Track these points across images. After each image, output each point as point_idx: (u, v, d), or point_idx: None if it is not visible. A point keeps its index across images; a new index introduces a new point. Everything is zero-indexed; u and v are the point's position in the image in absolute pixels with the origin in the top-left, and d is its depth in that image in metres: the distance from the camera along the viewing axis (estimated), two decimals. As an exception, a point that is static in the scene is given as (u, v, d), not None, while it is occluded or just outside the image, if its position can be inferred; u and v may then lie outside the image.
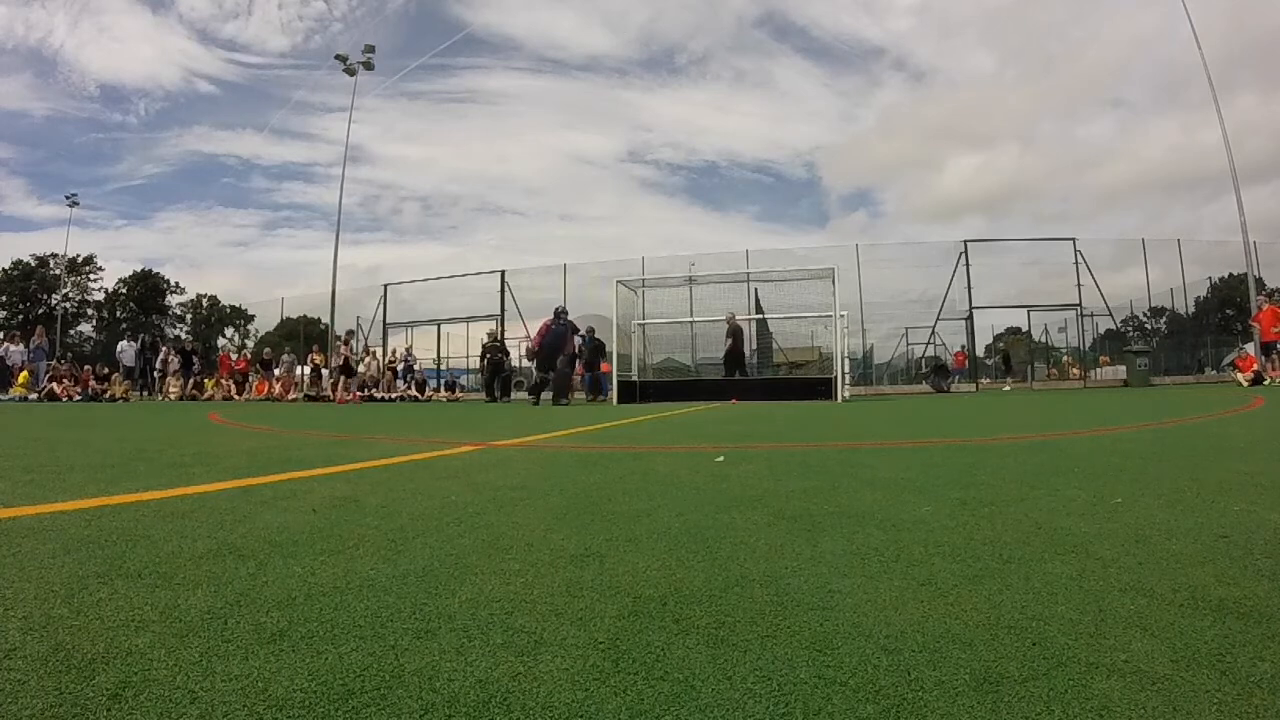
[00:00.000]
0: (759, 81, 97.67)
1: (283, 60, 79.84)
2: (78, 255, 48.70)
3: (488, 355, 15.09)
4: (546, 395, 11.73)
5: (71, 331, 43.47)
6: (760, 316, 15.40)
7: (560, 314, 11.98)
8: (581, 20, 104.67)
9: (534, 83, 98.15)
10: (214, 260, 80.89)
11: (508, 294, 21.71)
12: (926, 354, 19.72)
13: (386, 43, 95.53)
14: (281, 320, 30.63)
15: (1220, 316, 24.89)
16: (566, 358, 11.88)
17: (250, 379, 17.17)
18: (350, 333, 17.09)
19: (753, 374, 14.48)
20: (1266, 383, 11.81)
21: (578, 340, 12.77)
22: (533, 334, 12.99)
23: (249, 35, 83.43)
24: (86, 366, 17.24)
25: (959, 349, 19.37)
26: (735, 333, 13.59)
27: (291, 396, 16.07)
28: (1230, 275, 23.90)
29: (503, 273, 21.96)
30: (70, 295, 48.73)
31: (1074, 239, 19.09)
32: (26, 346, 16.58)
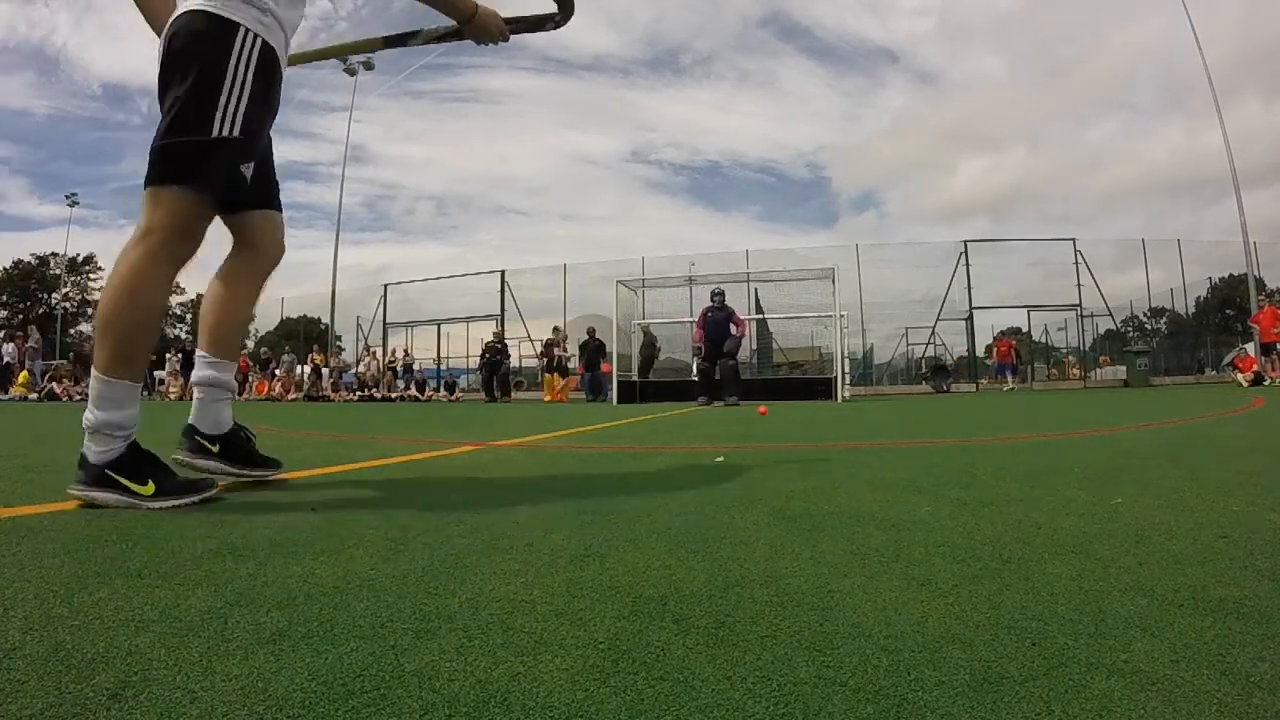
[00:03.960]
0: (762, 81, 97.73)
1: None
2: (78, 255, 48.83)
3: (486, 355, 15.11)
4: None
5: (71, 331, 43.48)
6: (760, 316, 15.42)
7: (717, 297, 10.52)
8: (586, 20, 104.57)
9: (538, 82, 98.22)
10: (216, 260, 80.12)
11: (508, 294, 21.73)
12: (926, 354, 19.73)
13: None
14: (281, 320, 30.67)
15: (1220, 317, 24.89)
16: (734, 341, 10.30)
17: (250, 379, 17.16)
18: (556, 329, 16.37)
19: (753, 374, 14.76)
20: (1266, 383, 11.81)
21: (733, 329, 10.54)
22: (571, 335, 12.20)
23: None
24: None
25: (1000, 336, 19.39)
26: (651, 343, 14.77)
27: (291, 396, 16.06)
28: (1230, 276, 23.92)
29: (503, 272, 22.00)
30: (70, 295, 48.77)
31: (1074, 239, 19.12)
32: (15, 346, 16.59)
